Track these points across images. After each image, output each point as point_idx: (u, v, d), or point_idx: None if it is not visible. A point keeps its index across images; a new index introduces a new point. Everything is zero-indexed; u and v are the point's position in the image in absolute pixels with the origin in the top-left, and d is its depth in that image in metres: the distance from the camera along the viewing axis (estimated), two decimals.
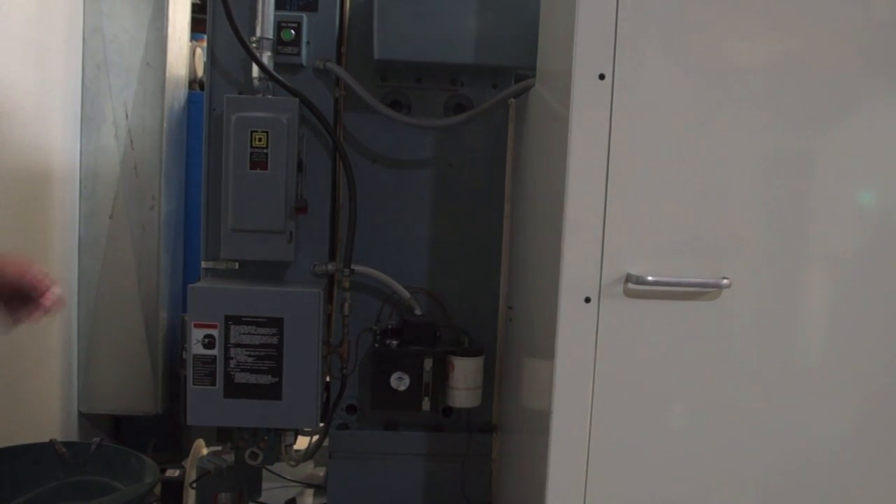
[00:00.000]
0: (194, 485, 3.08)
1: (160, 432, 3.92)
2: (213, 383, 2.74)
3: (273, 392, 2.76)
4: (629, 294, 2.04)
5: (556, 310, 2.04)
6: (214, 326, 2.73)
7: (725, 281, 2.04)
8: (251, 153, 2.72)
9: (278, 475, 3.48)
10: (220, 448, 3.12)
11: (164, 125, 3.71)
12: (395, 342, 2.94)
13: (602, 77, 1.98)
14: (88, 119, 3.62)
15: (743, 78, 2.04)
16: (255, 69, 2.75)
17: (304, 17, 2.83)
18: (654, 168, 2.04)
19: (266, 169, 2.72)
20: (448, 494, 3.12)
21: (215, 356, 2.73)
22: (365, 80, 2.94)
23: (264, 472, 3.23)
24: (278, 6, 2.80)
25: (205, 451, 3.30)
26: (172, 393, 3.84)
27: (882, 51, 2.06)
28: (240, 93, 2.82)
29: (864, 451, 2.17)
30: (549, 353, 2.09)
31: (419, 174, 3.06)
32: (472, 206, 3.06)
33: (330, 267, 2.94)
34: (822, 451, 2.16)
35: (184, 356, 2.83)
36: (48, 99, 3.36)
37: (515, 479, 2.69)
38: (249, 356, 2.74)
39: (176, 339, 3.90)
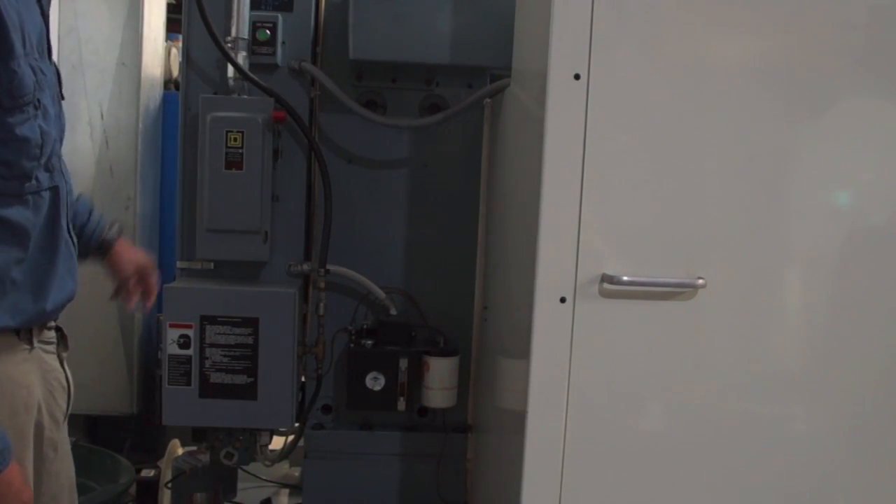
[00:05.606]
0: (170, 485, 3.07)
1: (136, 432, 3.92)
2: (189, 383, 2.74)
3: (248, 392, 2.76)
4: (605, 294, 2.04)
5: (531, 310, 2.04)
6: (190, 326, 2.72)
7: (701, 281, 2.04)
8: (226, 153, 2.72)
9: (254, 475, 3.47)
10: (195, 448, 3.11)
11: (140, 125, 3.70)
12: (370, 342, 2.93)
13: (577, 77, 1.98)
14: None
15: (719, 78, 2.04)
16: (231, 69, 2.75)
17: (280, 17, 2.83)
18: (629, 168, 2.04)
19: (241, 169, 2.72)
20: (423, 494, 3.12)
21: (190, 356, 2.73)
22: (340, 80, 2.93)
23: (240, 471, 3.23)
24: (253, 6, 2.80)
25: (180, 451, 3.29)
26: (148, 393, 3.82)
27: (858, 51, 2.07)
28: (215, 93, 2.82)
29: (839, 451, 2.17)
30: (524, 353, 2.09)
31: (395, 174, 3.06)
32: (447, 207, 3.06)
33: (305, 267, 2.94)
34: (799, 451, 2.16)
35: (159, 356, 2.82)
36: None
37: (491, 479, 2.69)
38: (225, 356, 2.73)
39: (151, 340, 3.88)
